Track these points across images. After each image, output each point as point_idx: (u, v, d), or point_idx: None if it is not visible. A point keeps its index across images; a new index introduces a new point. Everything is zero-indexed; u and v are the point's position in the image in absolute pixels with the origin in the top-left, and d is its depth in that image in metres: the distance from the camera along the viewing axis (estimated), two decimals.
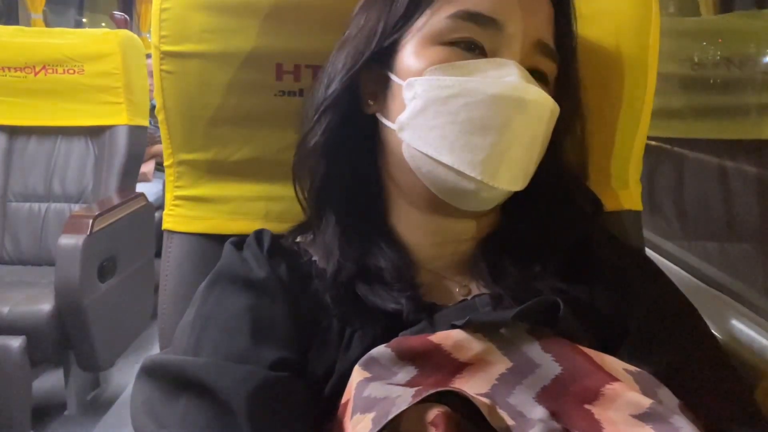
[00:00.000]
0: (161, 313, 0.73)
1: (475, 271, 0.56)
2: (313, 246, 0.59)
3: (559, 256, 0.56)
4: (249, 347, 0.48)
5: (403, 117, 0.53)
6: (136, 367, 0.48)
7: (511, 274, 0.54)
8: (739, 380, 0.52)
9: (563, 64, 0.56)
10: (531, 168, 0.54)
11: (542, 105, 0.51)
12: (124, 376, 1.92)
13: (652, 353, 0.50)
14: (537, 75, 0.53)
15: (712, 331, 0.56)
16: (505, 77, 0.50)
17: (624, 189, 0.75)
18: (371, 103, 0.57)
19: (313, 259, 0.57)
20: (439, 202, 0.54)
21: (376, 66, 0.56)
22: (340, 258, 0.54)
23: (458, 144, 0.50)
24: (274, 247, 0.57)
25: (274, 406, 0.44)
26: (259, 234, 0.59)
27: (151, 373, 0.47)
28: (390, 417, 0.38)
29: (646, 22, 0.71)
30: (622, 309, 0.53)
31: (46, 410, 1.70)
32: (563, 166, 0.60)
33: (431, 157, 0.51)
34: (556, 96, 0.55)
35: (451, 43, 0.52)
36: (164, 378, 0.46)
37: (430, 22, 0.53)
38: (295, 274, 0.55)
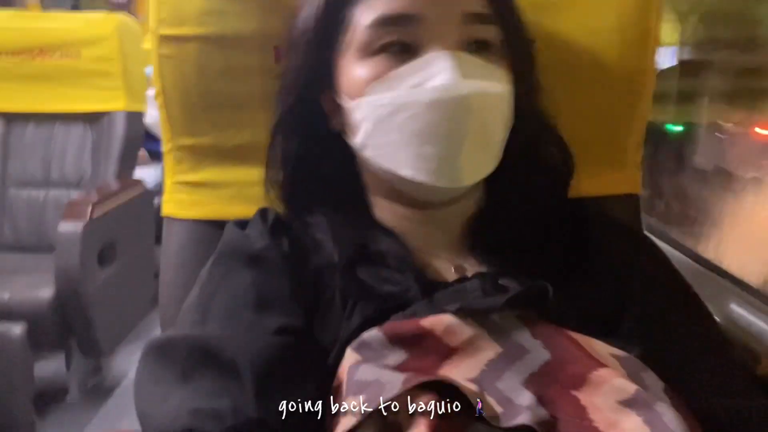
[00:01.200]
0: (162, 299, 0.73)
1: (467, 250, 0.57)
2: (312, 228, 0.59)
3: (551, 233, 0.56)
4: (254, 319, 0.49)
5: (359, 138, 0.54)
6: (138, 353, 0.48)
7: (503, 251, 0.55)
8: (736, 358, 0.53)
9: (505, 21, 0.55)
10: (495, 150, 0.53)
11: (484, 94, 0.50)
12: (126, 362, 1.93)
13: (650, 332, 0.51)
14: (479, 45, 0.52)
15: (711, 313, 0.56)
16: (436, 77, 0.49)
17: (621, 172, 0.74)
18: (334, 120, 0.58)
19: (316, 236, 0.57)
20: (419, 199, 0.55)
21: (325, 86, 0.56)
22: (340, 246, 0.54)
23: (411, 157, 0.50)
24: (277, 223, 0.58)
25: (280, 369, 0.45)
26: (262, 211, 0.60)
27: (156, 352, 0.47)
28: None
29: (648, 4, 0.70)
30: (619, 290, 0.53)
31: (47, 396, 1.71)
32: (531, 124, 0.58)
33: (393, 172, 0.52)
34: (511, 54, 0.54)
35: (380, 51, 0.52)
36: (169, 354, 0.46)
37: (354, 36, 0.53)
38: (297, 248, 0.56)
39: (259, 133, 0.70)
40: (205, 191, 0.72)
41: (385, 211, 0.59)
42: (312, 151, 0.59)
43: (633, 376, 0.44)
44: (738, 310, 0.78)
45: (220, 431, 0.40)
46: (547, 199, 0.58)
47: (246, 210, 0.66)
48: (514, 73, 0.54)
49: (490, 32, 0.53)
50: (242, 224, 0.59)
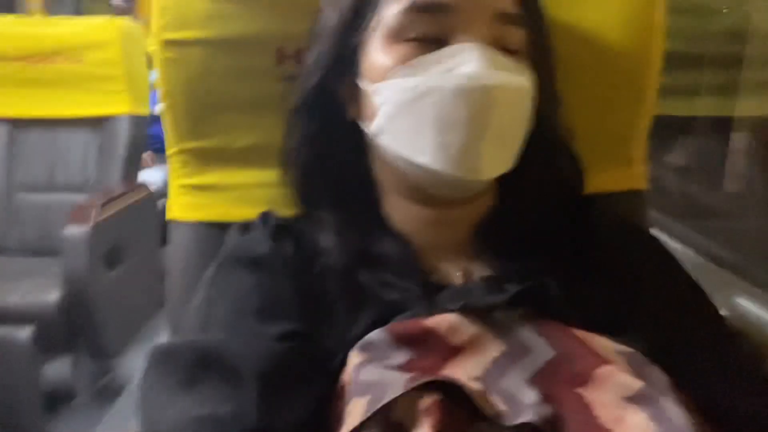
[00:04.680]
0: (169, 301, 0.73)
1: (474, 253, 0.56)
2: (316, 231, 0.59)
3: (559, 235, 0.56)
4: (256, 324, 0.48)
5: (377, 123, 0.53)
6: (145, 355, 0.48)
7: (509, 255, 0.54)
8: (744, 355, 0.53)
9: (532, 26, 0.54)
10: (515, 148, 0.53)
11: (510, 88, 0.50)
12: (133, 364, 1.93)
13: (657, 331, 0.50)
14: (506, 46, 0.52)
15: (717, 308, 0.56)
16: (464, 65, 0.49)
17: (626, 167, 0.74)
18: (351, 108, 0.57)
19: (318, 240, 0.57)
20: (431, 195, 0.54)
21: (346, 72, 0.56)
22: (342, 249, 0.54)
23: (431, 144, 0.49)
24: (279, 226, 0.58)
25: (283, 376, 0.45)
26: (264, 215, 0.60)
27: (160, 359, 0.47)
28: (382, 403, 0.39)
29: None
30: (625, 289, 0.53)
31: (55, 399, 1.72)
32: (548, 133, 0.58)
33: (409, 160, 0.51)
34: (534, 60, 0.54)
35: (408, 38, 0.51)
36: (173, 361, 0.46)
37: (383, 21, 0.52)
38: (300, 252, 0.55)
39: (264, 135, 0.70)
40: (210, 194, 0.72)
41: (394, 209, 0.58)
42: (327, 140, 0.59)
43: (638, 372, 0.44)
44: (743, 303, 0.79)
45: None
46: (556, 206, 0.58)
47: (252, 212, 0.67)
48: (535, 80, 0.54)
49: (518, 35, 0.53)
50: (245, 227, 0.59)
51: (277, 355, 0.46)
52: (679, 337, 0.51)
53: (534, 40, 0.54)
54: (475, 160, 0.49)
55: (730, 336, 0.54)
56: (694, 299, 0.55)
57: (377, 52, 0.53)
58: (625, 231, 0.60)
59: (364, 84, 0.54)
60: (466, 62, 0.49)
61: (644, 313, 0.52)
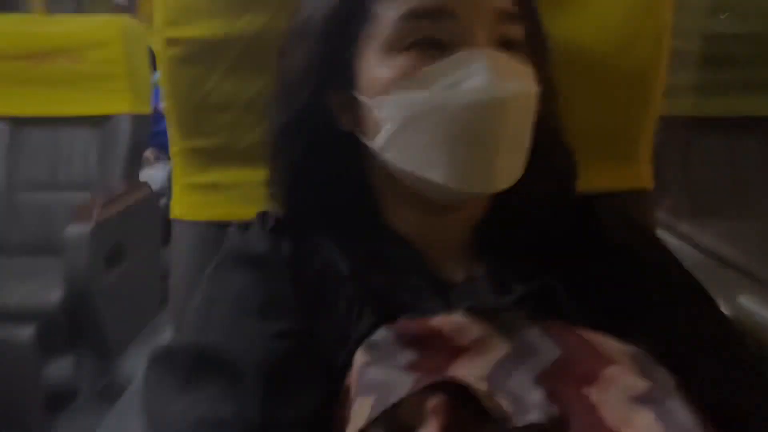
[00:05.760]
0: (172, 300, 0.73)
1: (475, 254, 0.56)
2: (314, 230, 0.58)
3: (561, 232, 0.55)
4: (256, 323, 0.48)
5: (380, 139, 0.50)
6: (147, 354, 0.48)
7: (510, 253, 0.53)
8: (748, 356, 0.52)
9: (528, 19, 0.52)
10: (524, 153, 0.51)
11: (521, 97, 0.48)
12: (135, 363, 1.93)
13: (660, 330, 0.50)
14: (507, 44, 0.50)
15: (721, 308, 0.56)
16: (472, 77, 0.47)
17: (633, 166, 0.74)
18: (344, 119, 0.54)
19: (319, 240, 0.56)
20: (436, 204, 0.53)
21: (339, 85, 0.53)
22: (348, 254, 0.53)
23: (443, 161, 0.47)
24: (278, 224, 0.57)
25: (283, 374, 0.45)
26: (262, 214, 0.59)
27: (160, 359, 0.47)
28: (389, 403, 0.39)
29: None
30: (628, 287, 0.53)
31: (57, 398, 1.72)
32: (545, 127, 0.55)
33: (418, 176, 0.49)
34: (531, 54, 0.52)
35: (408, 47, 0.49)
36: (173, 362, 0.46)
37: (379, 29, 0.50)
38: (298, 250, 0.54)
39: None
40: (214, 193, 0.72)
41: (394, 214, 0.57)
42: (319, 153, 0.56)
43: (644, 373, 0.43)
44: (747, 302, 0.78)
45: None
46: (553, 201, 0.57)
47: (256, 211, 0.67)
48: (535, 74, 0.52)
49: (518, 31, 0.51)
50: (246, 226, 0.58)
51: (278, 354, 0.46)
52: (682, 338, 0.50)
53: (530, 33, 0.53)
54: (488, 174, 0.48)
55: (733, 336, 0.53)
56: (697, 299, 0.55)
57: (375, 63, 0.50)
58: (628, 229, 0.60)
59: (363, 97, 0.51)
60: (474, 74, 0.46)
61: (647, 314, 0.51)
